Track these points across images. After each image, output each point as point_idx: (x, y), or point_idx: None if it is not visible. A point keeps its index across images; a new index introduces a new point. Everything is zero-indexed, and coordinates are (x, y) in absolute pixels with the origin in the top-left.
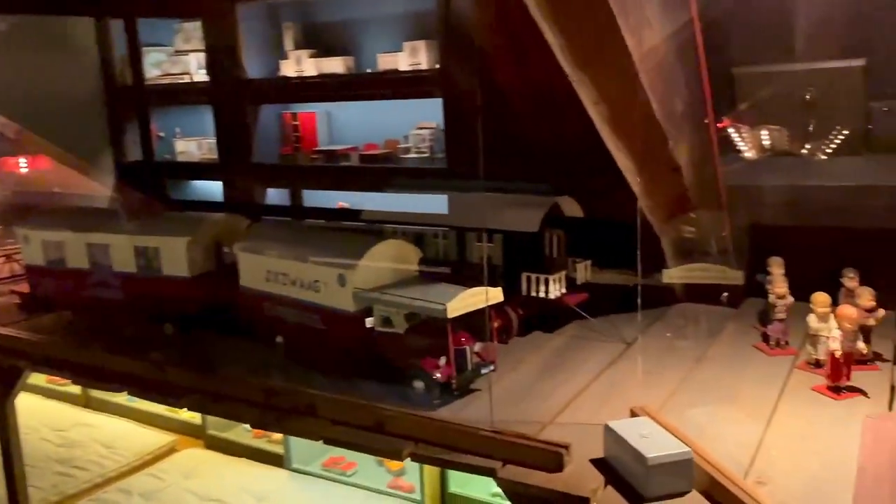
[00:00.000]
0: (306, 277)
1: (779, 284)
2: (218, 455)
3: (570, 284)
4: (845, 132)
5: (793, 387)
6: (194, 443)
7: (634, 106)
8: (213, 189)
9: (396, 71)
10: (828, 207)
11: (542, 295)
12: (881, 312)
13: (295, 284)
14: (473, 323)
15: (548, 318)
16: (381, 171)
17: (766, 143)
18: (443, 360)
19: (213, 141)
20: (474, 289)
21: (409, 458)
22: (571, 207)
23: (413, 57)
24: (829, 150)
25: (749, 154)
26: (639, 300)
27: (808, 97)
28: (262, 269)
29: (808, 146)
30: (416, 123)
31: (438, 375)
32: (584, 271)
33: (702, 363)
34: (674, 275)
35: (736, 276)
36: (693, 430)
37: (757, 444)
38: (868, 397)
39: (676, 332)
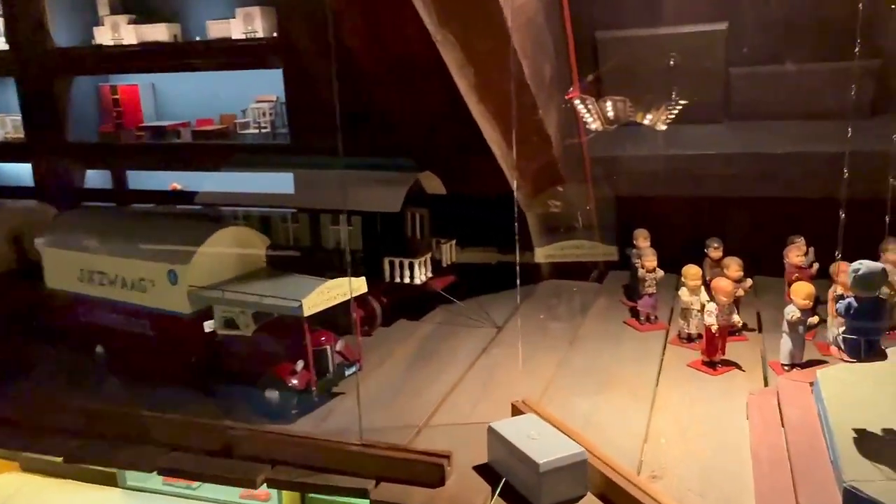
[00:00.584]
0: (130, 275)
1: (648, 258)
2: (38, 478)
3: (436, 267)
4: (683, 102)
5: (669, 364)
6: (8, 466)
7: (505, 69)
8: (21, 172)
9: (229, 39)
10: (691, 176)
11: (406, 280)
12: (749, 282)
13: (116, 284)
14: (333, 317)
15: (414, 304)
16: (217, 148)
17: (611, 114)
18: (300, 365)
19: (18, 118)
20: (333, 280)
21: (264, 486)
22: (434, 184)
23: (248, 24)
24: (668, 121)
25: (595, 126)
26: (517, 280)
27: (671, 63)
28: (73, 266)
29: (649, 117)
30: (254, 97)
31: (295, 382)
32: (449, 252)
33: (576, 345)
34: (547, 253)
35: (610, 252)
36: (579, 422)
37: (644, 432)
38: (743, 370)
39: (548, 313)
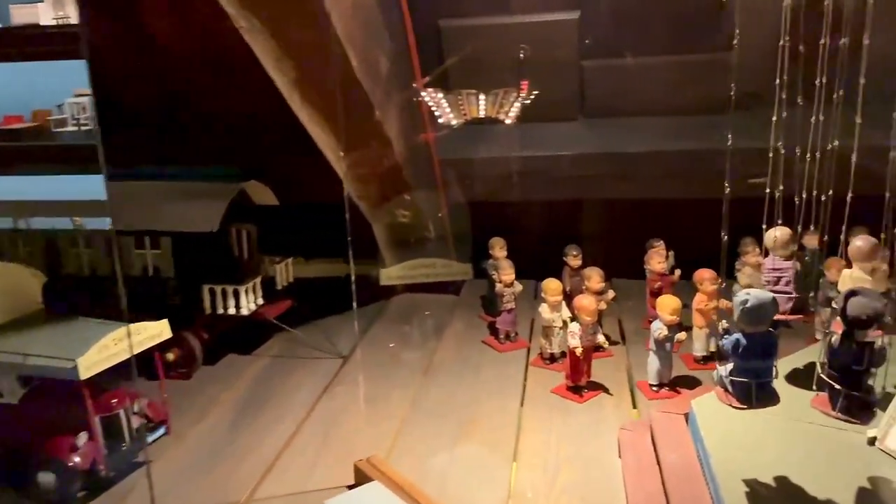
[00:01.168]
0: None
1: (505, 271)
2: None
3: (270, 289)
4: (534, 93)
5: (533, 392)
6: None
7: (328, 62)
8: None
9: (37, 26)
10: (546, 179)
11: (232, 311)
12: (611, 294)
13: None
14: (139, 360)
15: (244, 335)
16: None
17: (462, 108)
18: (82, 438)
19: None
20: (123, 328)
21: None
22: (262, 194)
23: (58, 9)
24: (516, 115)
25: (445, 121)
26: (353, 304)
27: (521, 55)
28: None
29: (497, 111)
30: (74, 90)
31: (78, 460)
32: (285, 272)
33: (430, 375)
34: (393, 275)
35: (464, 271)
36: (434, 481)
37: (508, 486)
38: (611, 394)
39: (399, 338)
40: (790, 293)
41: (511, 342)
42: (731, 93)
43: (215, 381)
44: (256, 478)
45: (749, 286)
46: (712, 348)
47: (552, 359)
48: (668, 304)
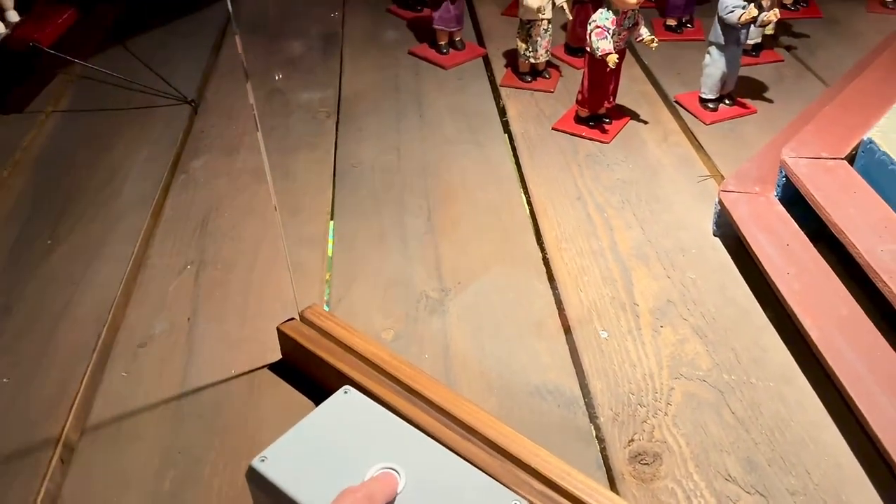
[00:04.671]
0: None
1: None
2: None
3: None
4: None
5: (524, 133)
6: None
7: None
8: None
9: None
10: None
11: None
12: None
13: None
14: None
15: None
16: None
17: None
18: None
19: None
20: None
21: None
22: None
23: None
24: None
25: None
26: None
27: None
28: None
29: None
30: None
31: None
32: None
33: (345, 127)
34: None
35: None
36: (435, 346)
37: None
38: (645, 122)
39: (274, 64)
40: None
41: (458, 51)
42: None
43: None
44: (77, 376)
45: None
46: (769, 31)
47: (534, 73)
48: None
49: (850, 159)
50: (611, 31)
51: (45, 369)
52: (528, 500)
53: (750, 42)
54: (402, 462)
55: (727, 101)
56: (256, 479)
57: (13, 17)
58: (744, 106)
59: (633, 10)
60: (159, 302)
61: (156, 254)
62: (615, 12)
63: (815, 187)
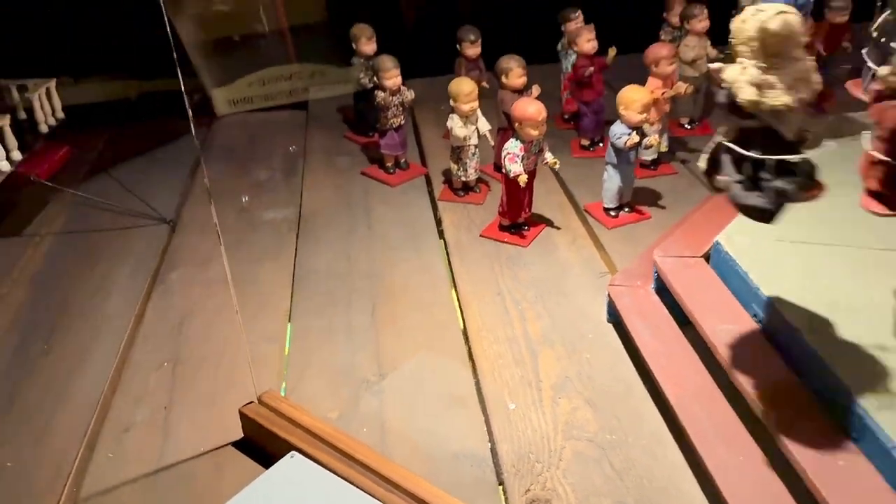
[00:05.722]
0: None
1: (389, 72)
2: None
3: (29, 133)
4: None
5: (456, 239)
6: None
7: None
8: None
9: None
10: None
11: None
12: (536, 90)
13: None
14: None
15: (2, 211)
16: None
17: None
18: None
19: None
20: None
21: None
22: None
23: None
24: None
25: None
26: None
27: None
28: None
29: None
30: None
31: None
32: (46, 104)
33: (305, 236)
34: (235, 97)
35: (344, 78)
36: (370, 420)
37: (484, 419)
38: (558, 227)
39: (244, 187)
40: None
41: (403, 170)
42: None
43: None
44: (70, 459)
45: (694, 61)
46: (664, 148)
47: (465, 188)
48: (635, 99)
49: (707, 257)
50: (520, 157)
51: (43, 453)
52: None
53: (648, 158)
54: None
55: (626, 209)
56: None
57: (17, 156)
58: (640, 213)
59: (537, 139)
60: (141, 393)
61: (138, 352)
62: (522, 141)
63: (677, 281)
